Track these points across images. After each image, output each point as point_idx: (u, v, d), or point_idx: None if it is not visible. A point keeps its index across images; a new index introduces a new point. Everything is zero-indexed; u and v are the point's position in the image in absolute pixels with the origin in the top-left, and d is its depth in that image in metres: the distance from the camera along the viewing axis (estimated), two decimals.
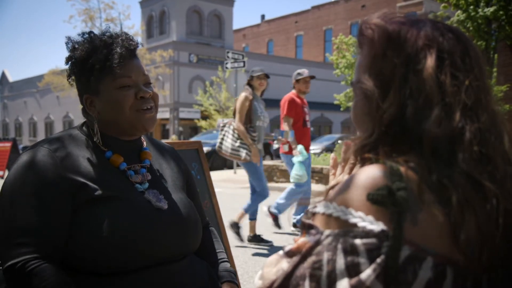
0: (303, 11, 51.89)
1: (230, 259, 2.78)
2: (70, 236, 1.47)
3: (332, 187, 1.05)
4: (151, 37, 38.90)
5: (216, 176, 14.73)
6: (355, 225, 0.83)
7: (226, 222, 2.77)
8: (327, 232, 0.86)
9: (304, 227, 0.93)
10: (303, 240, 0.90)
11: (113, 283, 1.47)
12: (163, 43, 35.69)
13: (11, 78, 57.38)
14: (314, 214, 0.92)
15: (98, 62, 1.58)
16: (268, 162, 15.47)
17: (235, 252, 5.02)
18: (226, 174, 16.57)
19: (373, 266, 0.80)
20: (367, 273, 0.80)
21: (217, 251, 1.88)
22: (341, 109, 23.01)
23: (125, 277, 1.48)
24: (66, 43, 1.68)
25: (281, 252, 0.94)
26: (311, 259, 0.85)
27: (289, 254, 0.91)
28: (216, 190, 2.94)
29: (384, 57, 0.95)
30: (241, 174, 15.85)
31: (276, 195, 11.18)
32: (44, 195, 1.46)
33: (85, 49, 1.60)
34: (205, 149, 17.48)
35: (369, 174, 0.87)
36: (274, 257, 0.96)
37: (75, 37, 1.69)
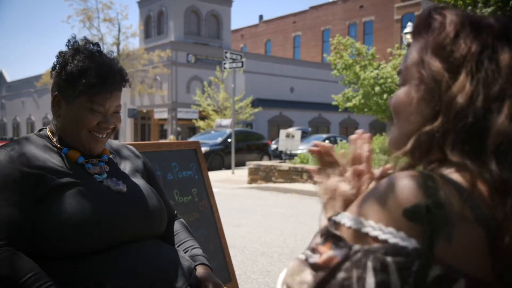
0: (301, 11, 51.80)
1: (227, 259, 2.79)
2: (35, 225, 1.52)
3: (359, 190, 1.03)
4: (149, 37, 38.92)
5: (214, 176, 14.75)
6: (385, 241, 0.79)
7: (224, 222, 3.02)
8: (356, 247, 0.81)
9: (329, 237, 0.87)
10: (330, 254, 0.84)
11: (78, 266, 1.51)
12: (161, 43, 35.69)
13: (9, 78, 57.33)
14: (339, 224, 0.87)
15: (83, 86, 1.63)
16: (266, 162, 15.51)
17: (233, 252, 4.95)
18: (224, 174, 16.62)
19: (405, 285, 0.77)
20: None
21: (185, 240, 1.89)
22: (339, 109, 23.13)
23: (89, 259, 1.52)
24: (69, 41, 1.73)
25: (302, 256, 0.90)
26: (341, 276, 0.81)
27: (315, 267, 0.86)
28: (214, 190, 2.98)
29: (456, 39, 0.90)
30: (239, 175, 15.88)
31: (274, 195, 11.42)
32: (3, 190, 1.51)
33: (80, 66, 1.64)
34: (203, 149, 17.41)
35: (403, 186, 0.81)
36: (296, 263, 0.91)
37: (79, 38, 1.75)
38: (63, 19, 46.27)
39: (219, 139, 20.48)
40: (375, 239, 0.79)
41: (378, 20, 43.02)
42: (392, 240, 0.78)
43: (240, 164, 18.88)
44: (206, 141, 19.97)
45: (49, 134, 1.73)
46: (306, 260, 0.88)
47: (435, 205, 0.78)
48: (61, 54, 1.70)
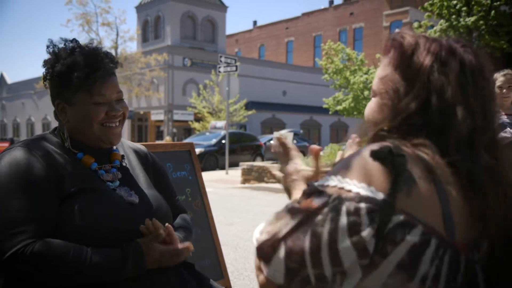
0: (293, 17, 51.65)
1: (220, 257, 2.84)
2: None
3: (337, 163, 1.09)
4: (146, 41, 38.84)
5: (209, 177, 14.79)
6: (358, 193, 0.89)
7: (217, 221, 3.18)
8: (335, 195, 0.90)
9: (312, 193, 0.95)
10: (311, 202, 0.93)
11: None
12: (158, 47, 35.63)
13: (9, 79, 56.98)
14: (323, 185, 0.95)
15: (77, 79, 1.59)
16: (259, 163, 15.56)
17: (226, 250, 5.05)
18: (218, 175, 16.58)
19: (372, 225, 0.86)
20: (368, 231, 0.86)
21: (176, 226, 1.84)
22: (330, 112, 22.82)
23: None
24: (48, 47, 1.68)
25: (280, 210, 0.98)
26: (317, 218, 0.89)
27: (293, 211, 0.94)
28: (208, 190, 2.99)
29: (412, 56, 1.04)
30: (233, 175, 15.93)
31: (267, 195, 11.55)
32: (31, 186, 1.47)
33: (66, 63, 1.61)
34: (198, 150, 17.28)
35: (371, 148, 0.94)
36: (274, 215, 0.99)
37: (57, 41, 1.69)
38: (62, 23, 45.58)
39: (214, 141, 20.40)
40: (350, 192, 0.90)
41: (368, 27, 42.98)
42: (363, 192, 0.89)
43: (233, 164, 18.87)
44: (201, 142, 19.93)
45: (62, 136, 1.69)
46: (285, 209, 0.97)
47: (398, 154, 0.91)
48: (46, 62, 1.66)
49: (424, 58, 1.03)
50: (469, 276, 0.94)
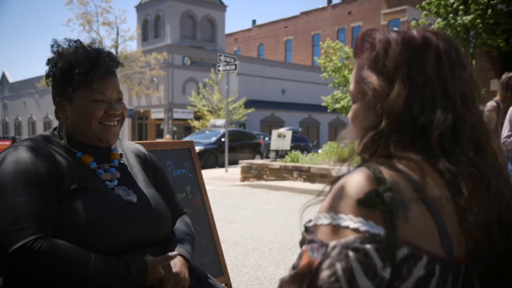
0: (292, 16, 51.86)
1: (220, 254, 2.85)
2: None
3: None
4: (146, 40, 39.07)
5: (208, 174, 14.80)
6: (357, 230, 0.83)
7: (217, 219, 3.16)
8: (332, 243, 0.84)
9: (305, 245, 0.90)
10: (308, 259, 0.87)
11: None
12: (158, 46, 35.83)
13: (11, 79, 57.29)
14: (315, 226, 0.90)
15: (78, 75, 1.61)
16: (258, 161, 15.40)
17: (225, 247, 5.06)
18: (218, 173, 16.48)
19: (386, 263, 0.82)
20: (387, 271, 0.82)
21: (179, 236, 1.85)
22: (328, 110, 22.76)
23: None
24: (52, 46, 1.70)
25: (283, 279, 0.91)
26: (325, 274, 0.83)
27: (297, 278, 0.87)
28: (208, 187, 2.97)
29: (386, 54, 0.98)
30: (232, 173, 15.93)
31: (266, 193, 11.42)
32: (35, 185, 1.49)
33: (69, 60, 1.63)
34: (198, 148, 17.29)
35: (356, 182, 0.88)
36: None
37: (61, 41, 1.72)
38: (63, 22, 45.50)
39: (213, 139, 20.27)
40: (347, 228, 0.84)
41: (366, 26, 41.54)
42: (363, 228, 0.83)
43: (233, 162, 18.76)
44: (201, 140, 19.89)
45: (61, 135, 1.70)
46: (288, 280, 0.89)
47: (383, 190, 0.86)
48: (49, 61, 1.68)
49: (400, 55, 0.98)
50: (467, 286, 0.92)
